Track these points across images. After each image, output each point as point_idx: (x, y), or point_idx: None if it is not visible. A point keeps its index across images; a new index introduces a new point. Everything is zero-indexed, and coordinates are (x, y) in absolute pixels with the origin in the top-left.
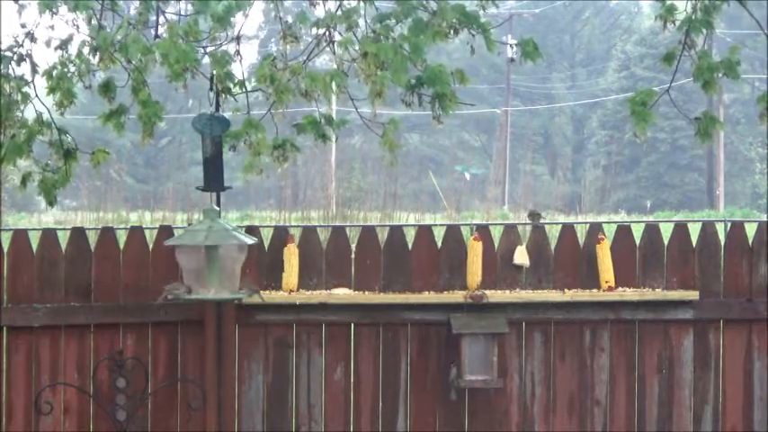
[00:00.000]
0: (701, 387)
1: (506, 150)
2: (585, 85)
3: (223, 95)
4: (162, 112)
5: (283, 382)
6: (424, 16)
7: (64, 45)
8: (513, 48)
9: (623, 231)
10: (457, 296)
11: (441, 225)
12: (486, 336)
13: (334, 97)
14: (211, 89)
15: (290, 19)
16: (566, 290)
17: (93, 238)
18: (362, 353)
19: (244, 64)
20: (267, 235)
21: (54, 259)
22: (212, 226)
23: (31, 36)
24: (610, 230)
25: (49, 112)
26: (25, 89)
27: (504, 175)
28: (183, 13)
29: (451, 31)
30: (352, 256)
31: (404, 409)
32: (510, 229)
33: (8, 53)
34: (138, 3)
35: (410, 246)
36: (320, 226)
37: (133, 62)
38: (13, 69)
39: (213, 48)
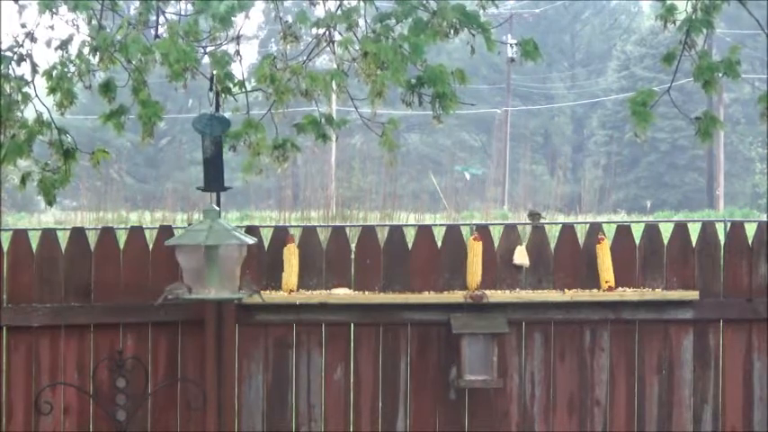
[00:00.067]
0: (701, 387)
1: (506, 150)
2: (585, 85)
3: (223, 95)
4: (162, 112)
5: (283, 382)
6: (425, 16)
7: (64, 45)
8: (513, 47)
9: (623, 231)
10: (457, 296)
11: (441, 225)
12: (486, 336)
13: (334, 97)
14: (211, 89)
15: (290, 19)
16: (566, 290)
17: (93, 238)
18: (362, 353)
19: (244, 64)
20: (267, 235)
21: (54, 259)
22: (212, 226)
23: (31, 36)
24: (610, 230)
25: (48, 112)
26: (25, 89)
27: (504, 175)
28: (183, 13)
29: (452, 31)
30: (352, 256)
31: (404, 408)
32: (510, 229)
33: (8, 53)
34: (138, 3)
35: (410, 246)
36: (320, 226)
37: (133, 62)
38: (13, 69)
39: (213, 48)
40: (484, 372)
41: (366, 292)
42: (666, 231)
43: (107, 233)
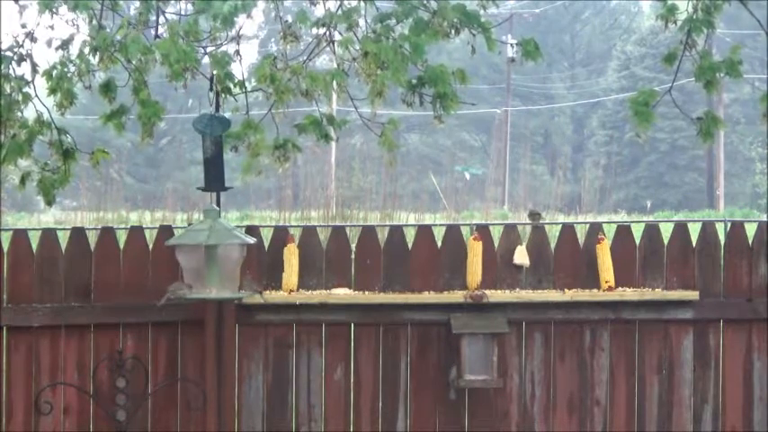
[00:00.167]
0: (701, 387)
1: (506, 150)
2: (585, 85)
3: (223, 95)
4: (162, 113)
5: (283, 382)
6: (425, 16)
7: (64, 45)
8: (513, 47)
9: (623, 231)
10: (457, 296)
11: (441, 225)
12: (486, 336)
13: (334, 97)
14: (211, 89)
15: (290, 19)
16: (566, 290)
17: (93, 238)
18: (362, 353)
19: (244, 64)
20: (267, 235)
21: (54, 259)
22: (213, 226)
23: (31, 36)
24: (610, 230)
25: (48, 112)
26: (25, 89)
27: (504, 175)
28: (183, 13)
29: (452, 31)
30: (352, 256)
31: (404, 408)
32: (510, 229)
33: (8, 53)
34: (138, 3)
35: (410, 246)
36: (320, 226)
37: (133, 62)
38: (13, 69)
39: (213, 48)
40: (484, 372)
41: (366, 292)
42: (666, 231)
43: (107, 233)
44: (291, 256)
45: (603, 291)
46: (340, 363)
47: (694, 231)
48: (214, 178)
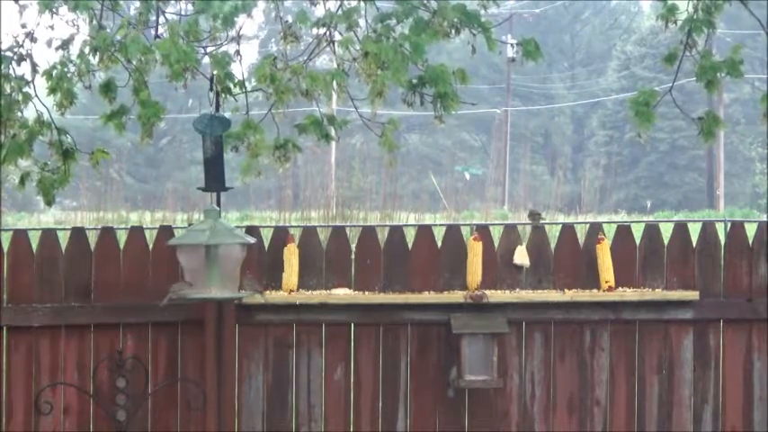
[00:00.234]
0: (701, 387)
1: (506, 150)
2: (585, 85)
3: (223, 96)
4: (162, 113)
5: (283, 382)
6: (425, 16)
7: (64, 45)
8: (513, 47)
9: (623, 231)
10: (457, 296)
11: (441, 225)
12: (486, 336)
13: (334, 97)
14: (211, 89)
15: (290, 19)
16: (566, 290)
17: (93, 238)
18: (362, 353)
19: (244, 64)
20: (267, 235)
21: (54, 259)
22: (214, 225)
23: (31, 36)
24: (610, 230)
25: (48, 112)
26: (25, 89)
27: (504, 175)
28: (183, 13)
29: (452, 31)
30: (352, 256)
31: (404, 408)
32: (510, 229)
33: (8, 53)
34: (138, 3)
35: (410, 246)
36: (320, 226)
37: (133, 62)
38: (13, 69)
39: (213, 48)
40: (484, 372)
41: (366, 292)
42: (666, 231)
43: (107, 233)
44: (291, 256)
45: (603, 291)
46: (340, 363)
47: (694, 231)
48: (214, 178)
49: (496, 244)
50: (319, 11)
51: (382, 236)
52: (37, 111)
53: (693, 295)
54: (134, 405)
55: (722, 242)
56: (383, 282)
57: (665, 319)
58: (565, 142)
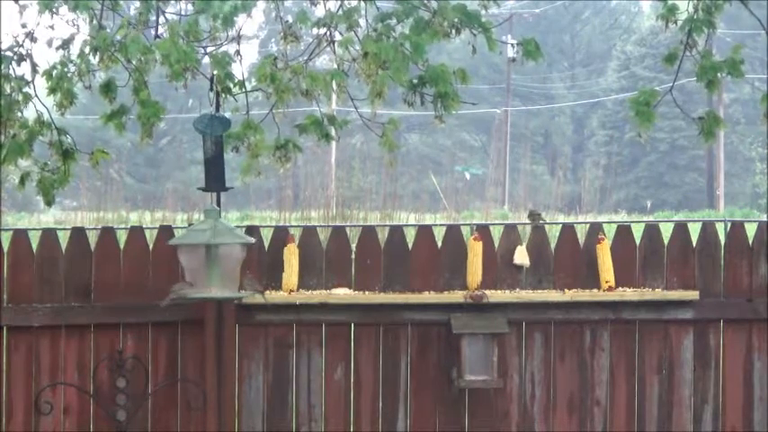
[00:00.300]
0: (701, 387)
1: (506, 150)
2: (585, 85)
3: (223, 96)
4: (162, 113)
5: (283, 382)
6: (426, 16)
7: (64, 45)
8: (514, 47)
9: (623, 231)
10: (457, 296)
11: (441, 225)
12: (486, 336)
13: (334, 97)
14: (212, 89)
15: (290, 19)
16: (566, 290)
17: (93, 238)
18: (362, 353)
19: (244, 64)
20: (267, 235)
21: (54, 259)
22: (215, 225)
23: (31, 36)
24: (610, 230)
25: (48, 112)
26: (26, 89)
27: (504, 175)
28: (183, 13)
29: (453, 31)
30: (352, 256)
31: (404, 408)
32: (510, 229)
33: (8, 53)
34: (138, 3)
35: (410, 246)
36: (320, 226)
37: (133, 62)
38: (13, 69)
39: (213, 48)
40: (484, 372)
41: (366, 292)
42: (666, 231)
43: (107, 233)
44: (291, 256)
45: (603, 291)
46: (340, 363)
47: (694, 231)
48: (214, 178)
49: (496, 244)
50: (319, 11)
51: (382, 236)
52: (37, 111)
53: (693, 295)
54: (134, 405)
55: (722, 242)
56: (383, 282)
57: (665, 319)
58: (565, 142)
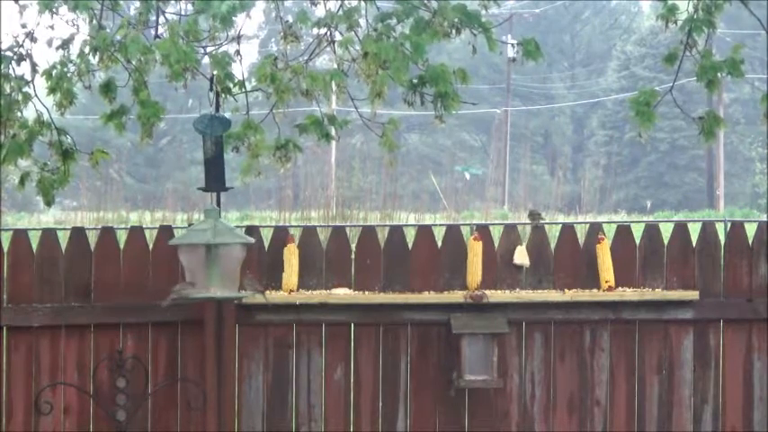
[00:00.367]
0: (701, 387)
1: (506, 150)
2: (585, 85)
3: (223, 96)
4: (162, 113)
5: (283, 382)
6: (426, 15)
7: (64, 45)
8: (514, 47)
9: (623, 231)
10: (457, 296)
11: (441, 225)
12: (486, 336)
13: (334, 97)
14: (211, 89)
15: (290, 19)
16: (566, 290)
17: (93, 238)
18: (362, 353)
19: (244, 64)
20: (267, 235)
21: (54, 259)
22: (216, 225)
23: (31, 36)
24: (610, 230)
25: (48, 112)
26: (25, 89)
27: (504, 175)
28: (183, 13)
29: (453, 31)
30: (352, 256)
31: (404, 408)
32: (510, 229)
33: (8, 53)
34: (138, 3)
35: (410, 246)
36: (320, 226)
37: (133, 62)
38: (13, 69)
39: (213, 48)
40: (484, 372)
41: (366, 292)
42: (666, 231)
43: (107, 233)
44: (291, 256)
45: (603, 291)
46: (340, 363)
47: (694, 231)
48: (214, 178)
49: (496, 244)
50: (320, 11)
51: (382, 236)
52: (37, 111)
53: (693, 295)
54: (134, 405)
55: (722, 242)
56: (383, 282)
57: (665, 319)
58: (565, 142)
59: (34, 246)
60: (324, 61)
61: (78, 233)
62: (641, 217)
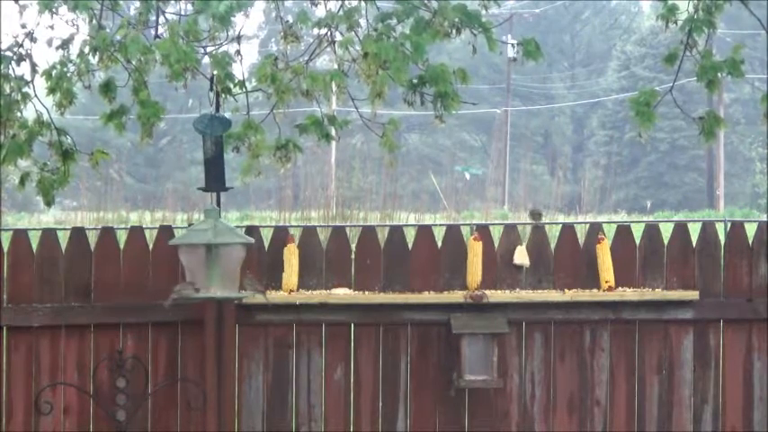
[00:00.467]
0: (701, 387)
1: (506, 150)
2: (585, 85)
3: (223, 96)
4: (162, 113)
5: (283, 382)
6: (426, 15)
7: (64, 45)
8: (514, 47)
9: (623, 231)
10: (457, 296)
11: (441, 225)
12: (486, 336)
13: (334, 97)
14: (211, 89)
15: (290, 19)
16: (566, 290)
17: (93, 238)
18: (362, 353)
19: (244, 64)
20: (267, 235)
21: (54, 259)
22: (216, 225)
23: (31, 36)
24: (610, 230)
25: (48, 112)
26: (25, 89)
27: (504, 175)
28: (183, 13)
29: (453, 31)
30: (352, 256)
31: (404, 408)
32: (510, 229)
33: (8, 53)
34: (138, 3)
35: (410, 246)
36: (320, 226)
37: (133, 62)
38: (13, 69)
39: (213, 48)
40: (484, 372)
41: (366, 292)
42: (666, 231)
43: (107, 233)
44: (291, 256)
45: (603, 291)
46: (340, 363)
47: (694, 231)
48: (214, 178)
49: (496, 244)
50: (320, 11)
51: (382, 236)
52: (37, 111)
53: (693, 295)
54: (134, 405)
55: (722, 242)
56: (383, 282)
57: (665, 319)
58: (565, 142)
59: (34, 246)
60: (324, 61)
61: (78, 233)
62: (641, 217)
